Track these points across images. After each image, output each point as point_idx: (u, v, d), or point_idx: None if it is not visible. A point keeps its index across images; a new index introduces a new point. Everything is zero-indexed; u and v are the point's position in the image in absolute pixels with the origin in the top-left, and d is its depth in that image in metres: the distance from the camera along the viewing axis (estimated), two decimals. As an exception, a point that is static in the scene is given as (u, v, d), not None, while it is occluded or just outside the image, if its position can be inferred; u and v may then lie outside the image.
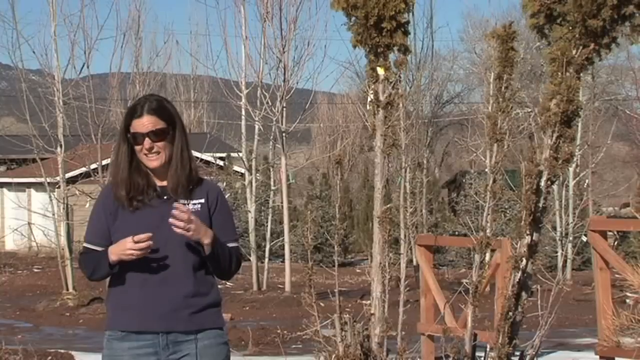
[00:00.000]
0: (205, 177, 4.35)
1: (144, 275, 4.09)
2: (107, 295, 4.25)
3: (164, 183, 4.20)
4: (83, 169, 20.74)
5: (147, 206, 4.16)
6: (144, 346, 4.11)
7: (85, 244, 4.25)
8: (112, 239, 4.15)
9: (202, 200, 4.19)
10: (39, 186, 26.59)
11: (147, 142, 4.13)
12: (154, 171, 4.19)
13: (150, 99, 4.22)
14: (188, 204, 4.15)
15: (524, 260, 5.69)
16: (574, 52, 5.59)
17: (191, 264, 4.14)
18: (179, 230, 4.02)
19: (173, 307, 4.10)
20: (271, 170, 22.76)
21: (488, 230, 5.93)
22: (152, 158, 4.15)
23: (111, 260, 4.08)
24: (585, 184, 24.65)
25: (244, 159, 20.84)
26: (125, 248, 4.03)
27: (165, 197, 4.17)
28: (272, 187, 21.88)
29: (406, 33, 5.88)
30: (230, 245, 4.23)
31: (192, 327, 4.13)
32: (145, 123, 4.14)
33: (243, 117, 20.50)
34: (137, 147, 4.16)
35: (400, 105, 7.41)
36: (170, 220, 4.03)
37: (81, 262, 4.26)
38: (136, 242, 4.00)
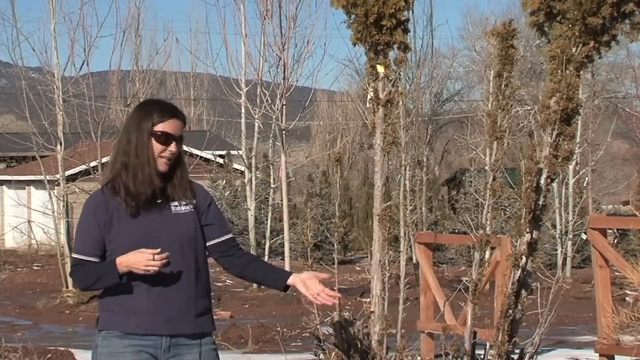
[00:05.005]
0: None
1: (149, 279, 4.03)
2: (102, 298, 4.15)
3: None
4: (83, 167, 20.77)
5: (144, 212, 4.10)
6: (145, 345, 4.09)
7: (77, 255, 4.13)
8: (107, 248, 4.09)
9: (194, 201, 4.18)
10: (38, 184, 26.57)
11: (174, 145, 4.10)
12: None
13: (172, 104, 4.23)
14: (179, 206, 4.14)
15: (524, 258, 5.70)
16: (573, 49, 5.59)
17: (193, 266, 4.12)
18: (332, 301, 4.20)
19: (180, 309, 4.08)
20: (271, 168, 22.77)
21: (488, 228, 5.93)
22: (167, 162, 4.10)
23: (121, 271, 4.00)
24: (585, 182, 24.64)
25: (244, 157, 20.83)
26: (141, 262, 3.95)
27: (159, 201, 4.13)
28: (272, 185, 21.88)
29: (406, 31, 5.88)
30: (229, 236, 4.25)
31: (196, 329, 4.13)
32: (179, 126, 4.12)
33: (243, 114, 20.50)
34: (160, 147, 4.08)
35: (400, 102, 7.41)
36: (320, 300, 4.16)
37: (77, 273, 4.13)
38: (155, 259, 3.96)
